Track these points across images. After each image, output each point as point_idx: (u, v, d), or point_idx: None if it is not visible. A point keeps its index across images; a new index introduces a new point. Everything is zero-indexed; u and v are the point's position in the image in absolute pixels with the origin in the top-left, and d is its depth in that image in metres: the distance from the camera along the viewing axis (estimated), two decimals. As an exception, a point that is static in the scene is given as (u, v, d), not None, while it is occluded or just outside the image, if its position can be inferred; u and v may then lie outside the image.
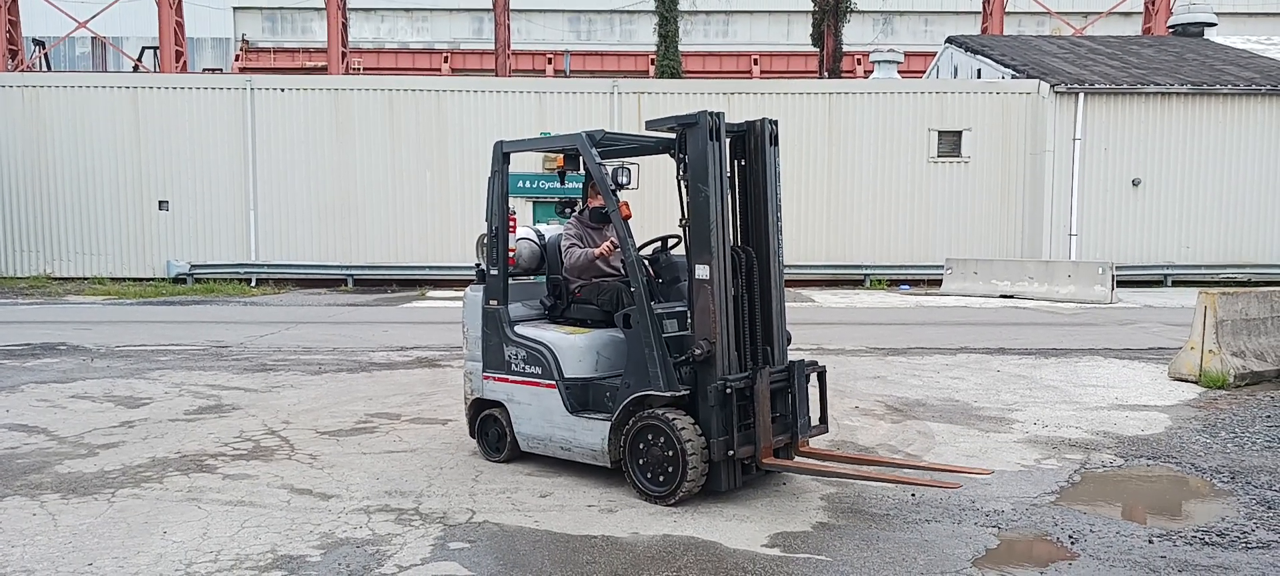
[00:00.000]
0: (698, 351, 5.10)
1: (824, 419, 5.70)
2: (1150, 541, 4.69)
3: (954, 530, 4.83)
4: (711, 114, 5.15)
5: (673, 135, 5.33)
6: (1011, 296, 19.40)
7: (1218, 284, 20.43)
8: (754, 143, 5.47)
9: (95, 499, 5.31)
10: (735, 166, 5.52)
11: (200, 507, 5.16)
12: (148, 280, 21.87)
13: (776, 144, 5.51)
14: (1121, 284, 19.83)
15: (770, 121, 5.48)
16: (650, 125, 5.45)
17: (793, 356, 5.59)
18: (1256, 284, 20.01)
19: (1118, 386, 8.99)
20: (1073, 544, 4.66)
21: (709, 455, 5.09)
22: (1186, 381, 9.07)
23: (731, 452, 5.06)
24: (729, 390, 5.04)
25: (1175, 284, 21.54)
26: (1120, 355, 11.02)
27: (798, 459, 5.52)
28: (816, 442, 5.80)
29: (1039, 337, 12.64)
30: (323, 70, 33.38)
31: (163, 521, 4.92)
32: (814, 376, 5.63)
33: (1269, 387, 8.81)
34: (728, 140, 5.37)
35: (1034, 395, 8.54)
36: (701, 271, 5.12)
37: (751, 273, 5.40)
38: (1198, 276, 21.23)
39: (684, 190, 5.21)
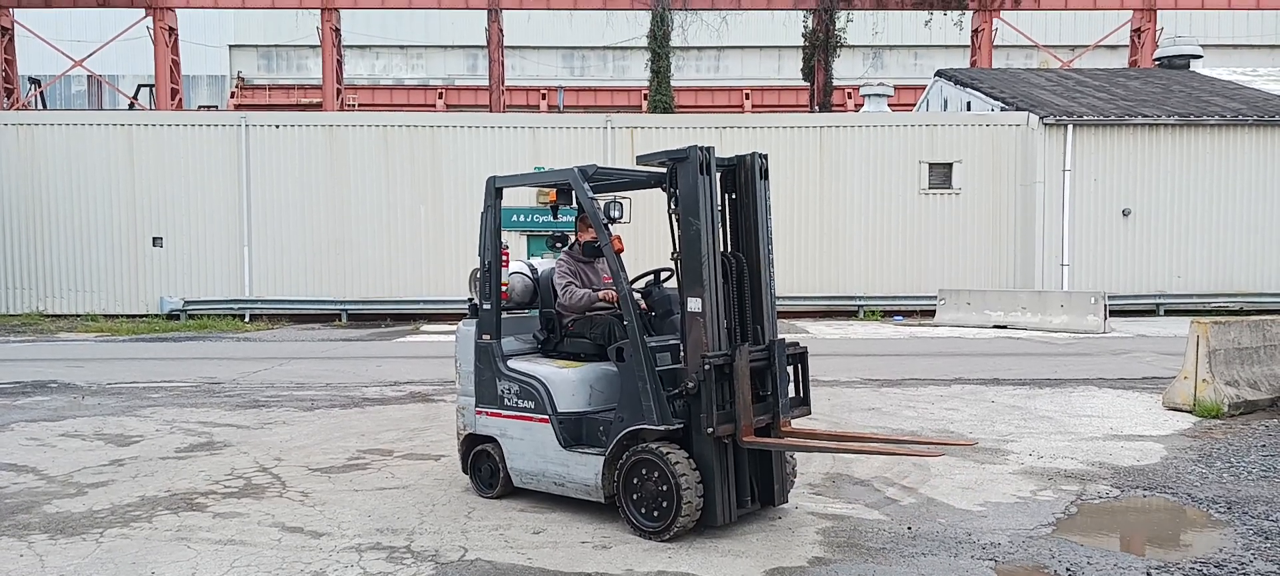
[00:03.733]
0: (691, 384, 5.08)
1: (806, 399, 5.63)
2: (1148, 573, 4.66)
3: (950, 563, 4.80)
4: (701, 148, 5.18)
5: (664, 170, 5.35)
6: (1005, 327, 19.43)
7: (1210, 313, 20.48)
8: (744, 176, 5.50)
9: (83, 539, 5.25)
10: (726, 200, 5.54)
11: (190, 547, 5.10)
12: (141, 316, 21.79)
13: (767, 177, 5.54)
14: (1114, 314, 19.87)
15: (760, 155, 5.51)
16: (641, 160, 5.48)
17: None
18: (1248, 313, 20.05)
19: (1112, 416, 8.98)
20: (1070, 576, 4.63)
21: (704, 483, 5.05)
22: (1181, 411, 9.06)
23: (710, 430, 4.99)
24: (708, 367, 4.99)
25: (1168, 313, 21.60)
26: (1114, 385, 11.02)
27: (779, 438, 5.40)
28: (799, 423, 5.71)
29: (1033, 368, 12.65)
30: (318, 107, 33.53)
31: (151, 562, 4.86)
32: (796, 359, 5.55)
33: (1263, 416, 8.81)
34: (718, 174, 5.40)
35: (1029, 426, 8.53)
36: (694, 304, 5.11)
37: (742, 281, 5.39)
38: (1190, 306, 21.30)
39: (675, 224, 5.23)
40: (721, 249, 5.31)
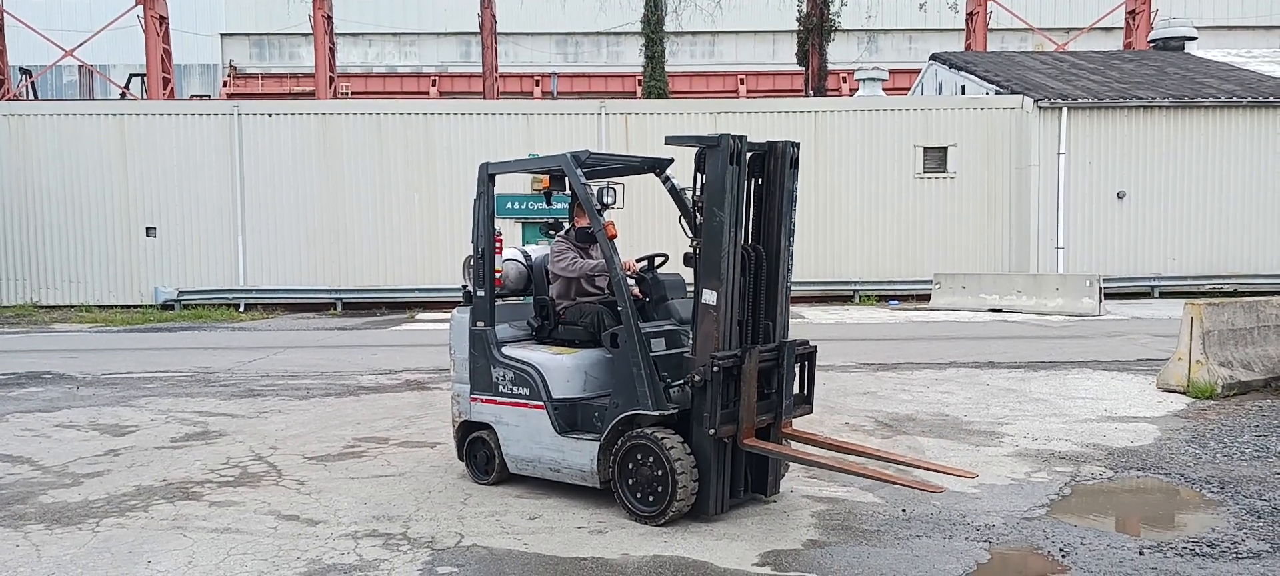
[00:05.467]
0: (697, 377, 5.01)
1: (809, 397, 5.59)
2: (1141, 553, 4.69)
3: (945, 545, 4.82)
4: (734, 137, 4.98)
5: (668, 157, 5.30)
6: (1000, 310, 19.47)
7: (1204, 295, 20.52)
8: (774, 164, 5.30)
9: (79, 529, 5.25)
10: (751, 186, 5.33)
11: (186, 536, 5.10)
12: (135, 307, 21.75)
13: (796, 167, 5.34)
14: (1109, 296, 19.92)
15: (792, 144, 5.32)
16: (670, 140, 5.34)
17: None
18: (1242, 294, 20.13)
19: (1107, 398, 9.01)
20: (1064, 557, 4.66)
21: (699, 471, 5.05)
22: (1175, 392, 9.09)
23: (712, 431, 4.95)
24: (717, 367, 4.92)
25: (1162, 295, 21.65)
26: (1109, 367, 11.06)
27: (781, 442, 5.40)
28: (799, 424, 5.69)
29: (1028, 351, 12.68)
30: (310, 95, 33.37)
31: (147, 551, 4.87)
32: (804, 358, 5.51)
33: (1257, 397, 8.85)
34: (748, 156, 5.20)
35: (1023, 408, 8.55)
36: (708, 297, 4.99)
37: (759, 274, 5.31)
38: (1184, 287, 21.35)
39: (693, 209, 5.10)
40: (743, 242, 5.18)
